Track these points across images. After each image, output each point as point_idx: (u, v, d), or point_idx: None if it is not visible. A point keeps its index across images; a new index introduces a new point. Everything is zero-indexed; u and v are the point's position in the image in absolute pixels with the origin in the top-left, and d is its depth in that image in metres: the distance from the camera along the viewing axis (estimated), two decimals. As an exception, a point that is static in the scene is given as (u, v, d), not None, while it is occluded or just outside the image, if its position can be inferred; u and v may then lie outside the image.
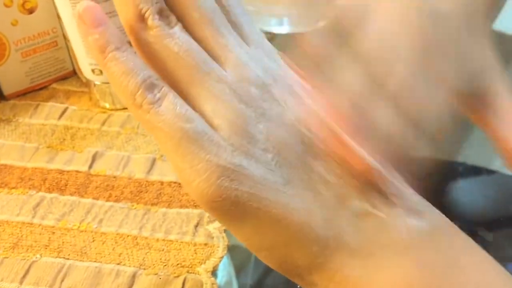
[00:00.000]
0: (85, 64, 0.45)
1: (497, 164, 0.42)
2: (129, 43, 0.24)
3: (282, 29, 0.50)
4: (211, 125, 0.22)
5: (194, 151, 0.22)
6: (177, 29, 0.24)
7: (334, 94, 0.24)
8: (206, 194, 0.22)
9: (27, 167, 0.41)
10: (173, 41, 0.23)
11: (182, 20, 0.24)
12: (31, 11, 0.45)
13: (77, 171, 0.41)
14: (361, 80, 0.24)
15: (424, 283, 0.22)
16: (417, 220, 0.23)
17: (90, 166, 0.41)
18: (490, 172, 0.42)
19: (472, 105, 0.26)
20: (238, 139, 0.22)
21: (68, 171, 0.41)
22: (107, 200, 0.38)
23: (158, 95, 0.22)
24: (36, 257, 0.35)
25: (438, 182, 0.42)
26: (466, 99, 0.26)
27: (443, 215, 0.24)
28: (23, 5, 0.45)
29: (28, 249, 0.35)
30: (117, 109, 0.46)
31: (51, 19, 0.47)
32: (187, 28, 0.24)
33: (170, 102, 0.22)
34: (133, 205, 0.38)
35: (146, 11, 0.23)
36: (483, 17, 0.27)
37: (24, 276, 0.34)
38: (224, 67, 0.24)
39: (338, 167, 0.23)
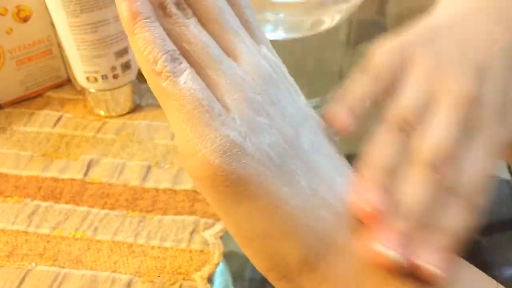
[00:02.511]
0: (80, 72, 0.45)
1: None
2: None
3: (277, 36, 0.50)
4: (222, 106, 0.23)
5: (206, 122, 0.22)
6: (193, 21, 0.25)
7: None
8: (211, 165, 0.22)
9: (22, 176, 0.41)
10: (188, 30, 0.24)
11: (198, 16, 0.25)
12: (25, 20, 0.45)
13: (72, 179, 0.41)
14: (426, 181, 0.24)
15: None
16: None
17: (85, 174, 0.41)
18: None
19: None
20: (245, 123, 0.23)
21: (63, 179, 0.41)
22: (102, 208, 0.38)
23: (178, 67, 0.23)
24: (31, 266, 0.35)
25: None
26: None
27: None
28: (17, 13, 0.45)
29: (23, 257, 0.35)
30: (111, 117, 0.47)
31: (46, 28, 0.47)
32: (203, 24, 0.25)
33: (189, 75, 0.23)
34: (128, 213, 0.38)
35: (165, 1, 0.25)
36: None
37: (19, 285, 0.34)
38: (236, 61, 0.25)
39: None
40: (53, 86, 0.50)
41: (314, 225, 0.22)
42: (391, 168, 0.24)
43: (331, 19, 0.51)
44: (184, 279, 0.34)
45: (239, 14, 0.26)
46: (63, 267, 0.35)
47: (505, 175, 0.41)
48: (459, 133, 0.24)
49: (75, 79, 0.47)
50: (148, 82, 0.24)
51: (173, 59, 0.23)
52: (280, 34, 0.50)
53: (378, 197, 0.23)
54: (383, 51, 0.27)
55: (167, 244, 0.36)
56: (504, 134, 0.25)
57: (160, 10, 0.25)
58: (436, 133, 0.24)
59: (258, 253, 0.23)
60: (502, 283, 0.23)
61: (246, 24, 0.26)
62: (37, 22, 0.46)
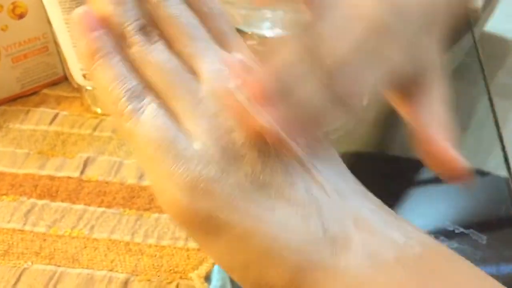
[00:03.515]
0: (76, 69, 0.44)
1: (489, 166, 0.43)
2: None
3: (275, 33, 0.50)
4: (188, 136, 0.23)
5: (170, 161, 0.22)
6: (158, 46, 0.24)
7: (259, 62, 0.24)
8: (179, 205, 0.21)
9: (18, 174, 0.41)
10: (152, 57, 0.24)
11: (165, 36, 0.25)
12: (21, 16, 0.45)
13: (69, 177, 0.40)
14: (296, 51, 0.23)
15: None
16: (404, 237, 0.22)
17: (82, 172, 0.41)
18: (482, 173, 0.42)
19: (403, 93, 0.27)
20: (212, 151, 0.22)
21: (59, 177, 0.40)
22: (99, 206, 0.38)
23: (140, 105, 0.23)
24: (27, 264, 0.34)
25: (430, 184, 0.42)
26: (400, 85, 0.27)
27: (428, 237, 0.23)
28: (13, 10, 0.45)
29: (19, 256, 0.35)
30: (108, 114, 0.46)
31: (42, 24, 0.46)
32: (170, 44, 0.25)
33: (151, 112, 0.23)
34: (125, 211, 0.38)
35: (126, 27, 0.24)
36: (442, 21, 0.28)
37: (15, 284, 0.33)
38: (200, 80, 0.24)
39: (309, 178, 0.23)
40: (49, 84, 0.49)
41: (295, 242, 0.21)
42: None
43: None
44: (181, 278, 0.33)
45: (211, 25, 0.26)
46: (59, 266, 0.34)
47: (503, 173, 0.41)
48: (360, 45, 0.24)
49: (71, 76, 0.47)
50: (113, 121, 0.24)
51: (135, 97, 0.23)
52: (278, 31, 0.50)
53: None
54: None
55: (164, 242, 0.36)
56: (398, 59, 0.25)
57: (123, 40, 0.24)
58: (335, 37, 0.23)
59: (242, 281, 0.22)
60: (499, 280, 0.23)
61: (219, 34, 0.26)
62: (33, 19, 0.46)
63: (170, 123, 0.23)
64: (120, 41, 0.24)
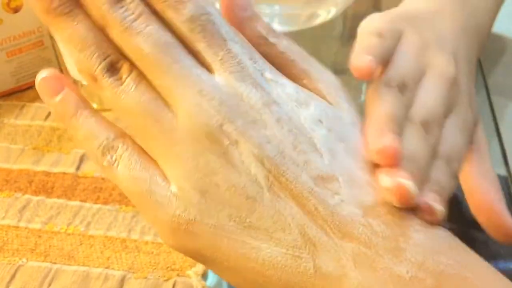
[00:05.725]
0: (72, 64, 0.44)
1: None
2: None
3: (272, 28, 0.50)
4: (165, 178, 0.23)
5: (150, 209, 0.23)
6: (126, 86, 0.23)
7: None
8: (169, 244, 0.23)
9: (13, 169, 0.40)
10: (122, 101, 0.24)
11: (138, 66, 0.24)
12: (16, 10, 0.45)
13: (64, 173, 0.40)
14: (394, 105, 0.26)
15: None
16: (414, 267, 0.21)
17: (78, 168, 0.40)
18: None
19: None
20: (190, 194, 0.22)
21: (55, 173, 0.40)
22: (95, 203, 0.38)
23: (113, 158, 0.24)
24: (22, 261, 0.34)
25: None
26: None
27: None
28: (8, 4, 0.44)
29: (14, 253, 0.35)
30: (105, 110, 0.46)
31: (37, 18, 0.45)
32: (143, 73, 0.24)
33: (125, 164, 0.24)
34: (121, 207, 0.38)
35: (94, 71, 0.24)
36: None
37: (10, 281, 0.33)
38: (176, 113, 0.23)
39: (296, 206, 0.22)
40: (44, 78, 0.49)
41: (283, 278, 0.22)
42: (397, 118, 0.26)
43: (326, 12, 0.50)
44: (178, 275, 0.33)
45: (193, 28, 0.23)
46: (55, 263, 0.34)
47: (501, 171, 0.41)
48: (443, 106, 0.28)
49: (67, 71, 0.46)
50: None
51: (108, 150, 0.24)
52: (275, 27, 0.50)
53: (395, 139, 0.24)
54: (380, 20, 0.29)
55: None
56: (471, 117, 0.29)
57: (94, 82, 0.24)
58: (427, 98, 0.27)
59: None
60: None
61: (203, 35, 0.24)
62: (28, 12, 0.45)
63: (145, 171, 0.23)
64: (92, 84, 0.24)
